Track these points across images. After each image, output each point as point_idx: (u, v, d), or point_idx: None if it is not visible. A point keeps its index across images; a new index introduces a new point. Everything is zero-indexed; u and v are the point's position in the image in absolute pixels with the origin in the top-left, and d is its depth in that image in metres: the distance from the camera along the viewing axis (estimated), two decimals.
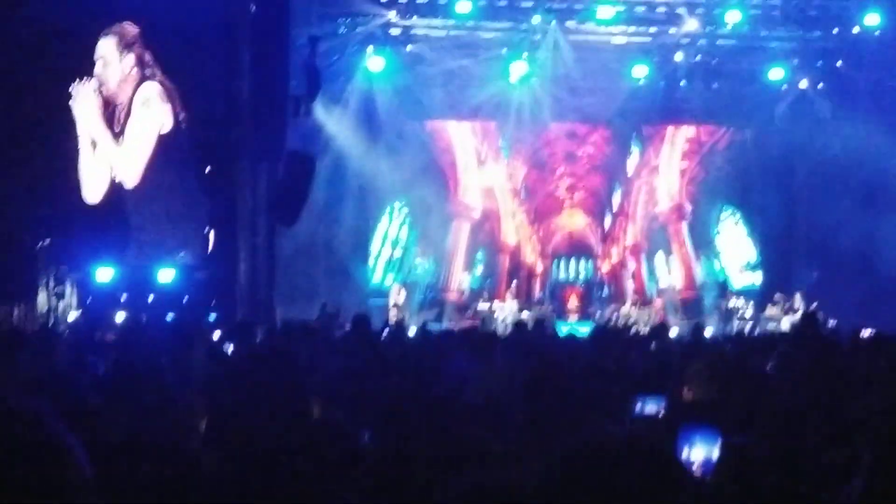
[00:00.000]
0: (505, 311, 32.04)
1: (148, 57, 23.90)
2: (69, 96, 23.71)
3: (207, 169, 24.20)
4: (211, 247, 24.49)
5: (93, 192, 24.31)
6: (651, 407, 8.12)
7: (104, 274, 23.73)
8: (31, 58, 22.86)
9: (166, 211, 24.51)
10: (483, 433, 5.43)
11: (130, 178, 24.14)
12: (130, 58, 23.68)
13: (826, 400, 7.88)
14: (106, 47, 23.70)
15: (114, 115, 23.97)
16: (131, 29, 23.79)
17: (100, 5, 23.86)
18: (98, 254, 23.73)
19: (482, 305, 32.82)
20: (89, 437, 3.34)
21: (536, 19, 30.68)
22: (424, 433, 5.49)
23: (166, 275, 23.39)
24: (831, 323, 25.95)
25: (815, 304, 29.51)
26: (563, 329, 24.53)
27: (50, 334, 17.08)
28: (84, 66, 23.84)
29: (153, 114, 23.91)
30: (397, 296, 31.84)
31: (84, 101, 23.51)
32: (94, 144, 24.05)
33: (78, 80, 23.56)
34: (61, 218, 23.36)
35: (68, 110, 23.83)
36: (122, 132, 24.02)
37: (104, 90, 23.65)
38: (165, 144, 24.17)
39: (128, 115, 23.91)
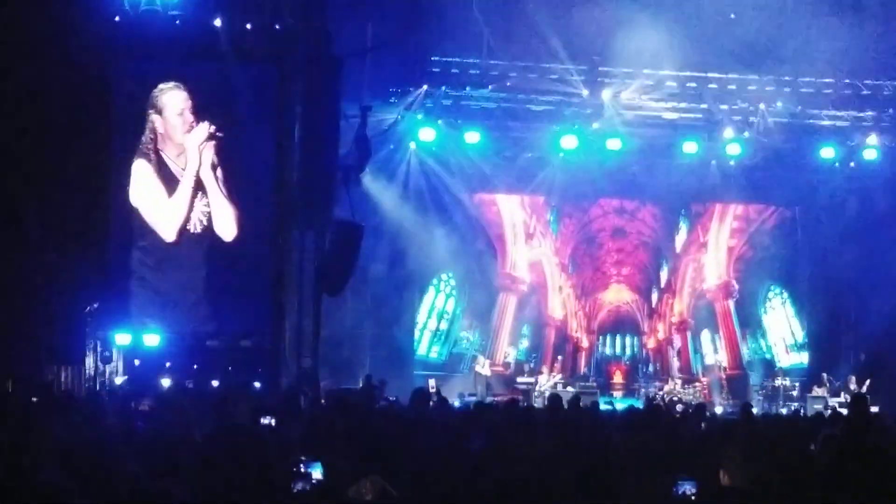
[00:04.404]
0: (548, 385, 31.96)
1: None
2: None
3: None
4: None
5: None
6: (687, 489, 8.14)
7: (151, 339, 23.79)
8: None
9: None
10: None
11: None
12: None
13: (870, 483, 7.80)
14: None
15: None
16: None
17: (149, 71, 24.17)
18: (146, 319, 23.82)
19: (526, 379, 32.73)
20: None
21: (587, 93, 30.69)
22: None
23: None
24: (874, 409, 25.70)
25: (867, 383, 29.24)
26: (607, 405, 24.39)
27: (97, 399, 17.17)
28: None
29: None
30: (483, 367, 32.31)
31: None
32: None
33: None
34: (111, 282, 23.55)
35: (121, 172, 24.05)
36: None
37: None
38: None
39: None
